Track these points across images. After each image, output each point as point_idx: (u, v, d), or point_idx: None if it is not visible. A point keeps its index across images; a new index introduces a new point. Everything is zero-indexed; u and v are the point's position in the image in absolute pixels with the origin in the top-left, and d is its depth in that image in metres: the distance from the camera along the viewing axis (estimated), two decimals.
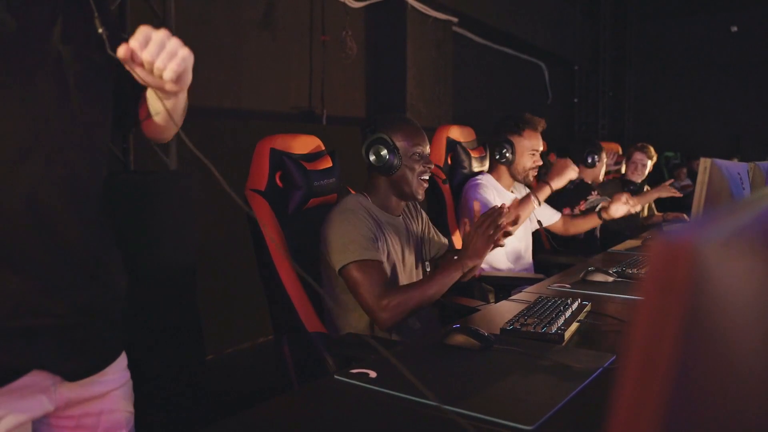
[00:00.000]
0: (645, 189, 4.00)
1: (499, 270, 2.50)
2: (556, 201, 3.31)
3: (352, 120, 4.63)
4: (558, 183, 2.34)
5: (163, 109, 1.00)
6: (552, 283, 2.04)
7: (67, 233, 0.98)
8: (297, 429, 1.01)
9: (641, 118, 9.17)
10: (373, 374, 1.16)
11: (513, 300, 1.84)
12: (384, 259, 1.68)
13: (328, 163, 1.89)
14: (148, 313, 2.27)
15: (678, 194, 3.45)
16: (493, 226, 1.65)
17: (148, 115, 1.10)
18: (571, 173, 2.30)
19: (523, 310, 1.57)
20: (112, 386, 1.10)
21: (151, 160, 2.89)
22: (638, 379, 0.28)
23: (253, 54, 3.99)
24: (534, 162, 2.56)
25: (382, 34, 4.98)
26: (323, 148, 1.95)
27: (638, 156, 3.91)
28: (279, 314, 1.69)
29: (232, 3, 3.86)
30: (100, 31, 0.96)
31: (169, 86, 0.93)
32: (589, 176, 3.47)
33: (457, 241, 2.52)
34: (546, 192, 2.37)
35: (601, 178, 3.60)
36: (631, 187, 3.91)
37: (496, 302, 1.89)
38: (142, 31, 0.88)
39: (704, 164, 1.29)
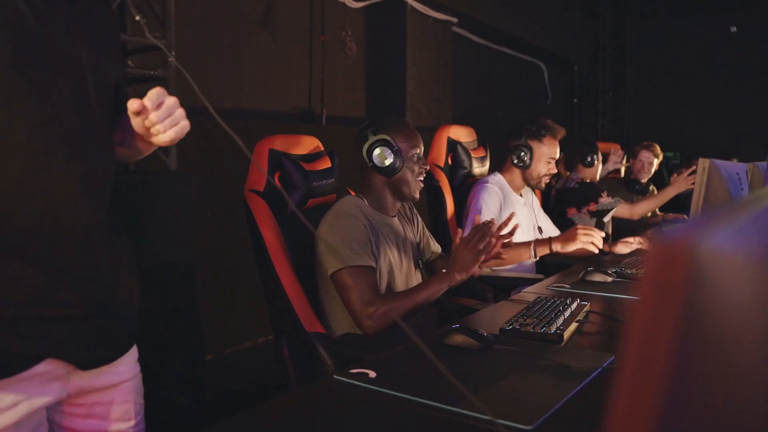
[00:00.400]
0: (651, 189, 4.00)
1: (499, 270, 2.50)
2: (561, 201, 3.30)
3: (352, 120, 4.63)
4: (560, 248, 2.23)
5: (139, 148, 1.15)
6: (551, 283, 2.04)
7: (83, 229, 1.03)
8: (296, 429, 1.01)
9: (641, 118, 9.16)
10: (372, 374, 1.16)
11: (512, 300, 1.84)
12: (376, 263, 1.68)
13: (327, 164, 1.89)
14: (148, 313, 2.26)
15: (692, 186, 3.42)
16: (483, 241, 1.64)
17: (121, 142, 1.17)
18: (578, 245, 2.19)
19: (522, 310, 1.57)
20: (123, 377, 1.15)
21: (150, 160, 2.89)
22: (635, 380, 0.28)
23: (253, 54, 3.99)
24: (549, 169, 2.55)
25: (382, 34, 4.98)
26: (322, 148, 1.95)
27: (645, 154, 3.90)
28: (278, 315, 1.70)
29: (232, 3, 3.87)
30: (138, 18, 1.05)
31: (156, 141, 1.02)
32: (587, 176, 3.47)
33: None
34: (545, 251, 2.29)
35: (597, 177, 3.61)
36: (637, 187, 3.90)
37: (495, 302, 1.89)
38: (157, 93, 0.96)
39: (703, 165, 1.29)
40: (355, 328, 1.67)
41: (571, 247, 2.16)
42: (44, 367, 1.01)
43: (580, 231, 2.18)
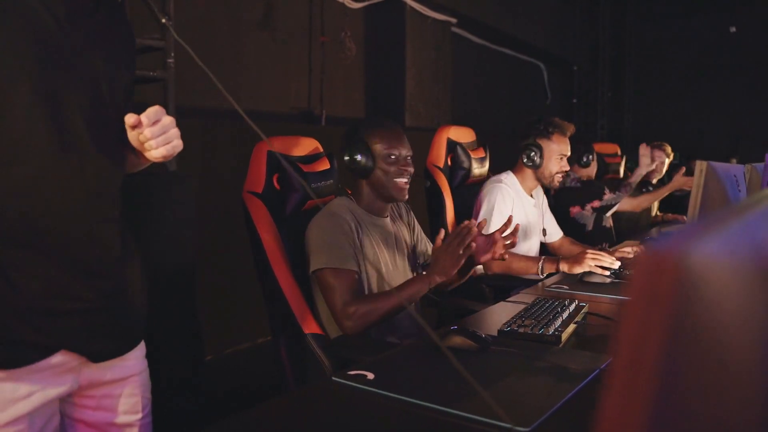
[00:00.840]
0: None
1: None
2: (564, 199, 3.31)
3: (352, 121, 4.63)
4: (567, 269, 2.22)
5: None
6: (550, 284, 2.05)
7: (95, 225, 1.09)
8: (295, 431, 1.01)
9: (640, 118, 9.16)
10: (370, 376, 1.17)
11: (510, 301, 1.84)
12: (360, 267, 1.69)
13: (325, 165, 1.89)
14: (148, 313, 2.26)
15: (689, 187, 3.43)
16: (462, 245, 1.64)
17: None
18: (584, 268, 2.18)
19: (520, 312, 1.57)
20: (132, 371, 1.20)
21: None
22: (624, 387, 0.28)
23: (252, 54, 4.00)
24: (561, 167, 2.54)
25: (381, 34, 4.98)
26: (321, 150, 1.96)
27: (656, 154, 3.89)
28: (276, 316, 1.70)
29: (232, 3, 3.87)
30: (164, 21, 1.09)
31: (149, 156, 1.07)
32: (583, 175, 3.49)
33: None
34: (552, 269, 2.28)
35: (594, 176, 3.62)
36: (650, 188, 3.89)
37: (494, 303, 1.89)
38: (155, 110, 1.02)
39: (700, 167, 1.30)
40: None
41: (578, 270, 2.15)
42: (58, 358, 1.05)
43: (588, 256, 2.16)
